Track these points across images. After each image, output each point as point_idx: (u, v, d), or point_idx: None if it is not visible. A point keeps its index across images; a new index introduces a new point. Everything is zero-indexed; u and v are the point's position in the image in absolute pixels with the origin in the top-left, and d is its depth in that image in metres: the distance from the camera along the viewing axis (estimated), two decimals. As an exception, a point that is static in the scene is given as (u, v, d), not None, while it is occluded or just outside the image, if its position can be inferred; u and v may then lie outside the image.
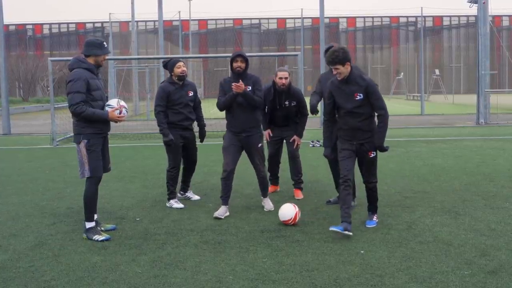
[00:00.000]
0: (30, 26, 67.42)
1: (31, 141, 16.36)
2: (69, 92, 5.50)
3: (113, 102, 5.74)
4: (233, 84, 6.50)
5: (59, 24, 66.95)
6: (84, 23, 66.53)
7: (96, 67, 5.70)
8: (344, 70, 5.60)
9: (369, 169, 5.93)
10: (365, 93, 5.65)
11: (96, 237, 5.54)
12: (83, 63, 5.62)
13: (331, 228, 5.50)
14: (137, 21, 34.72)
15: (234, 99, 6.58)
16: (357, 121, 5.72)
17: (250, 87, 6.67)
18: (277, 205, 6.46)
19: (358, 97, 5.65)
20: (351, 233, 5.51)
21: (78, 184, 8.68)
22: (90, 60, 5.65)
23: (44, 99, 43.07)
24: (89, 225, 5.63)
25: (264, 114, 7.55)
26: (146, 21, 59.58)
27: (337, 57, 5.53)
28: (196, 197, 7.56)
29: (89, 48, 5.66)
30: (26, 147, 14.61)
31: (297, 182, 7.73)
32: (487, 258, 4.80)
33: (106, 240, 5.52)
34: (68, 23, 66.90)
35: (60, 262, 4.90)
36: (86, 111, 5.47)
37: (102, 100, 5.69)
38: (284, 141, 7.76)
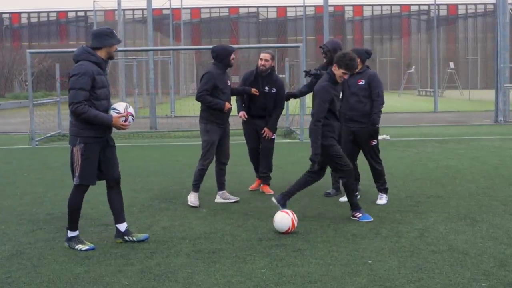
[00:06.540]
0: (7, 15, 67.31)
1: (8, 140, 16.34)
2: (71, 88, 5.33)
3: (120, 106, 5.56)
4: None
5: (39, 13, 66.85)
6: (66, 12, 66.42)
7: (106, 61, 5.54)
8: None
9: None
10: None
11: (79, 246, 5.52)
12: (91, 55, 5.43)
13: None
14: (123, 10, 34.69)
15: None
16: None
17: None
18: (265, 211, 6.47)
19: (341, 96, 6.60)
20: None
21: (59, 188, 8.68)
22: (101, 53, 5.48)
23: (22, 94, 42.96)
24: (71, 234, 5.60)
25: (241, 98, 8.23)
26: (133, 10, 59.45)
27: (356, 64, 6.53)
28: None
29: (101, 38, 5.46)
30: (2, 147, 14.60)
31: (265, 178, 8.22)
32: (506, 269, 4.81)
33: (90, 250, 5.51)
34: (48, 12, 66.80)
35: (40, 273, 4.89)
36: (88, 113, 5.30)
37: (106, 100, 5.54)
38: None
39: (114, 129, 5.66)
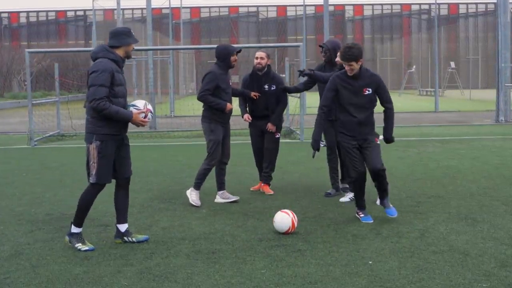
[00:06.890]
0: (6, 15, 67.37)
1: (7, 140, 16.34)
2: (92, 85, 5.39)
3: (139, 103, 5.69)
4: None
5: (37, 12, 66.89)
6: (65, 11, 66.48)
7: (123, 60, 5.63)
8: (356, 66, 6.31)
9: (377, 156, 6.45)
10: (374, 88, 6.48)
11: (79, 245, 5.51)
12: (110, 53, 5.53)
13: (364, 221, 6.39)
14: (123, 9, 34.73)
15: None
16: (363, 116, 6.47)
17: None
18: (265, 211, 6.47)
19: (367, 92, 6.44)
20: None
21: (58, 188, 8.68)
22: (120, 52, 5.59)
23: (21, 94, 42.99)
24: (75, 230, 5.60)
25: (243, 101, 8.22)
26: (133, 9, 59.56)
27: (353, 54, 6.23)
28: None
29: (119, 38, 5.57)
30: (1, 147, 14.60)
31: (266, 178, 8.20)
32: (507, 270, 4.81)
33: (90, 251, 5.50)
34: (47, 11, 66.84)
35: (39, 273, 4.89)
36: (110, 109, 5.36)
37: (123, 98, 5.62)
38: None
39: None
